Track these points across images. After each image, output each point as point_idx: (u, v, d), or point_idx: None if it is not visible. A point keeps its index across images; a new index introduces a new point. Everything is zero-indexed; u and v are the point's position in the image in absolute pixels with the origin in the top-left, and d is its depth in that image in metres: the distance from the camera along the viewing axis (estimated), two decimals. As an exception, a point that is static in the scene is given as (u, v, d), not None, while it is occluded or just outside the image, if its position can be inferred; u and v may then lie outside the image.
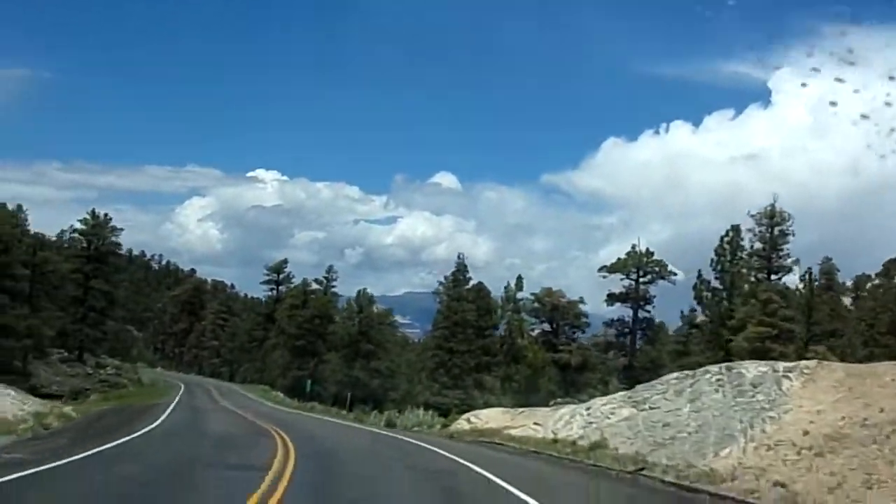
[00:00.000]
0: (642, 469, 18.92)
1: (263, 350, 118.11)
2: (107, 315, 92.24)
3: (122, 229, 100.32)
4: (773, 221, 59.17)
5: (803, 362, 22.80)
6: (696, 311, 62.90)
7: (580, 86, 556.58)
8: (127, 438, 20.53)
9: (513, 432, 29.45)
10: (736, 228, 60.43)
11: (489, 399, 56.40)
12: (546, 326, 69.79)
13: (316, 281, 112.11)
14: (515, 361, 52.00)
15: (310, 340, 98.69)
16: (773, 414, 19.30)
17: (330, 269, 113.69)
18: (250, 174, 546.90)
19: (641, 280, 75.14)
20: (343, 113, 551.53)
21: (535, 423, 29.88)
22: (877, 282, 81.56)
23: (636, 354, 73.85)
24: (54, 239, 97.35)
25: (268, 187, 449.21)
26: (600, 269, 73.85)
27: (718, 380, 23.12)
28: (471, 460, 19.38)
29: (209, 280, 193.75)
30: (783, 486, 15.18)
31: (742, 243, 60.01)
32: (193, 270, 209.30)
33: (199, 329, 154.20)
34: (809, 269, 65.04)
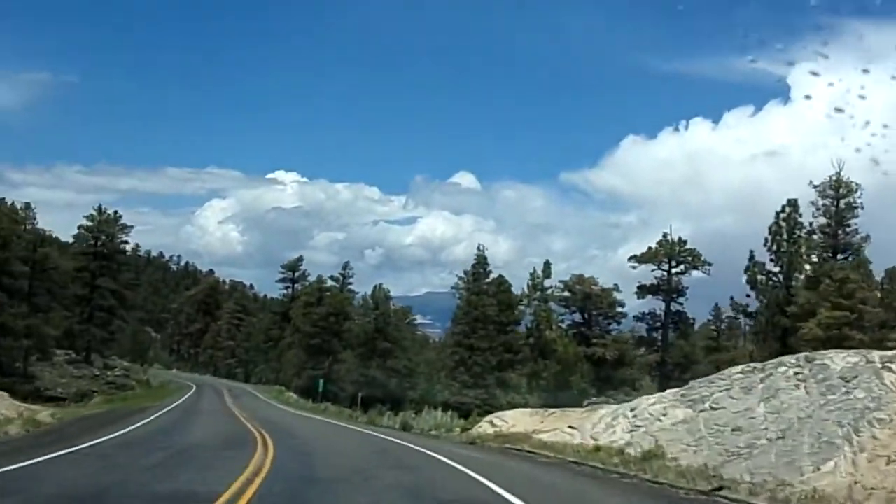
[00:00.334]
0: (720, 489, 14.74)
1: (279, 350, 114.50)
2: (115, 315, 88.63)
3: (131, 227, 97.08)
4: (838, 193, 52.52)
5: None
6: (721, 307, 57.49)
7: (599, 83, 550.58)
8: (63, 452, 16.56)
9: (544, 437, 25.34)
10: (793, 203, 54.30)
11: (514, 398, 51.78)
12: (577, 317, 63.21)
13: (331, 278, 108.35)
14: (543, 356, 46.82)
15: (325, 339, 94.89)
16: (883, 415, 15.10)
17: (346, 266, 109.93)
18: (270, 176, 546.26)
19: (674, 271, 70.75)
20: (362, 114, 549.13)
21: (570, 427, 25.75)
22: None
23: (668, 350, 69.43)
24: (72, 241, 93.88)
25: (287, 189, 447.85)
26: (630, 259, 69.37)
27: (797, 373, 18.95)
28: (500, 482, 14.99)
29: (227, 280, 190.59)
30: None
31: (801, 220, 53.66)
32: (212, 271, 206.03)
33: (214, 329, 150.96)
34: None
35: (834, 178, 53.03)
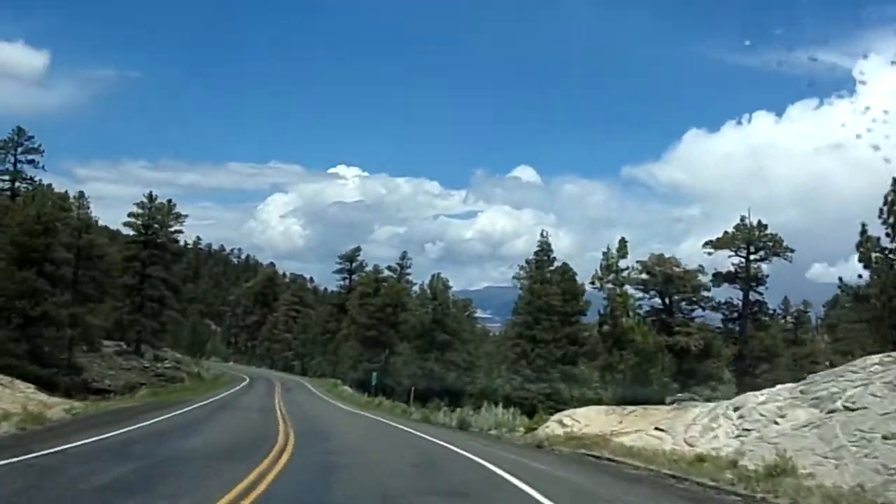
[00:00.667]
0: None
1: (335, 342, 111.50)
2: (166, 305, 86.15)
3: (185, 216, 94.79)
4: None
5: None
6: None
7: (661, 77, 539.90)
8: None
9: (625, 441, 21.07)
10: (915, 167, 48.16)
11: (585, 393, 46.97)
12: (657, 302, 56.08)
13: (389, 268, 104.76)
14: (619, 346, 42.00)
15: (381, 331, 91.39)
16: None
17: (403, 256, 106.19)
18: (332, 170, 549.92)
19: (752, 257, 65.37)
20: (423, 108, 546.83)
21: (657, 429, 21.47)
22: None
23: (747, 342, 64.13)
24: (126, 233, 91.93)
25: (349, 183, 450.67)
26: (705, 245, 64.07)
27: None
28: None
29: (287, 273, 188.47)
30: None
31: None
32: (272, 264, 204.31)
33: (271, 321, 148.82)
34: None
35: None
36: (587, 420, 25.43)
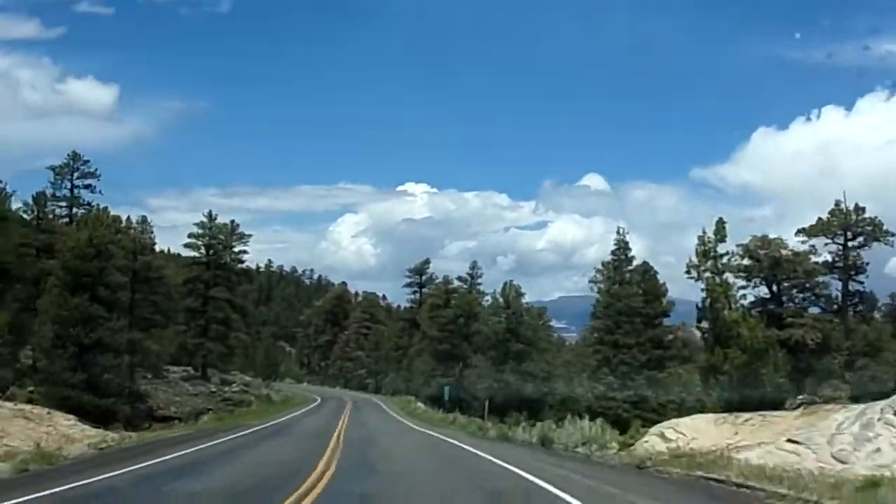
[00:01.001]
0: None
1: (409, 357, 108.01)
2: (231, 327, 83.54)
3: (250, 235, 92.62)
4: None
5: None
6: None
7: (726, 76, 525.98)
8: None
9: (751, 458, 16.65)
10: None
11: (684, 399, 41.62)
12: (763, 291, 48.42)
13: (459, 279, 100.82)
14: (721, 344, 36.29)
15: (453, 343, 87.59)
16: None
17: (474, 266, 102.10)
18: (400, 188, 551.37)
19: (850, 244, 59.70)
20: (488, 121, 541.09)
21: (790, 441, 17.00)
22: None
23: (850, 336, 58.34)
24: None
25: (418, 200, 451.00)
26: (797, 233, 58.49)
27: None
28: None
29: (360, 292, 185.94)
30: None
31: None
32: (344, 283, 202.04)
33: (342, 340, 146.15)
34: None
35: None
36: (694, 432, 21.06)
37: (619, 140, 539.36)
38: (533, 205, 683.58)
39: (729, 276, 39.26)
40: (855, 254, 60.07)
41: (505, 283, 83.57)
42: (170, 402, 71.25)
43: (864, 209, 60.30)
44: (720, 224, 39.28)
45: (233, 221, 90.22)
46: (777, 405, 26.28)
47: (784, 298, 40.15)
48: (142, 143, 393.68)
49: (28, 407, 41.83)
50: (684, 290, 67.18)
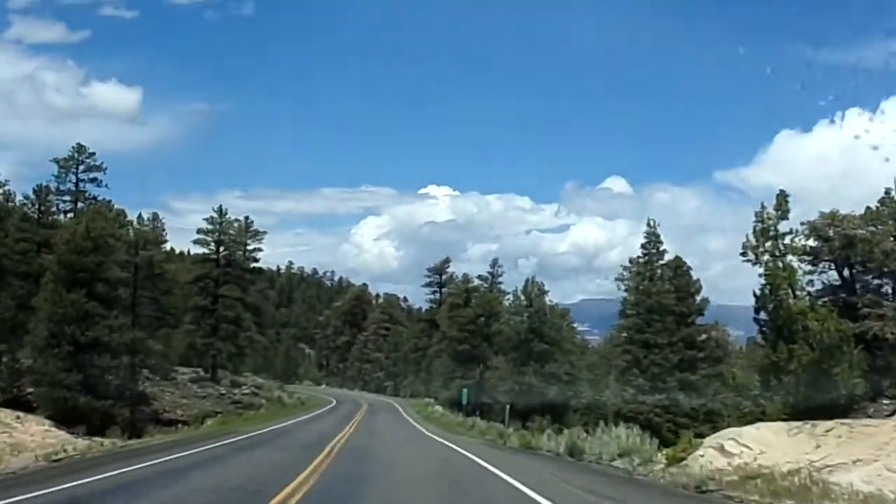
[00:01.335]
0: None
1: (427, 359, 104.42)
2: (242, 327, 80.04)
3: (264, 233, 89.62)
4: None
5: None
6: None
7: (749, 78, 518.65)
8: None
9: (853, 481, 12.78)
10: None
11: (740, 404, 36.73)
12: (832, 277, 38.72)
13: (479, 277, 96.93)
14: (785, 338, 31.09)
15: (473, 344, 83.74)
16: None
17: (494, 264, 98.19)
18: (422, 191, 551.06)
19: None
20: (511, 124, 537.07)
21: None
22: None
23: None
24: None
25: (440, 203, 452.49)
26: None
27: None
28: None
29: (381, 294, 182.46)
30: None
31: None
32: (365, 285, 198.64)
33: (361, 341, 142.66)
34: None
35: None
36: (762, 443, 17.17)
37: (641, 142, 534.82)
38: (555, 207, 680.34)
39: (793, 260, 34.37)
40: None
41: (527, 280, 79.55)
42: (176, 405, 68.12)
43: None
44: (782, 197, 34.15)
45: (247, 218, 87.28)
46: (848, 410, 22.30)
47: (858, 286, 34.84)
48: (165, 146, 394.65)
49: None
50: (707, 292, 63.57)
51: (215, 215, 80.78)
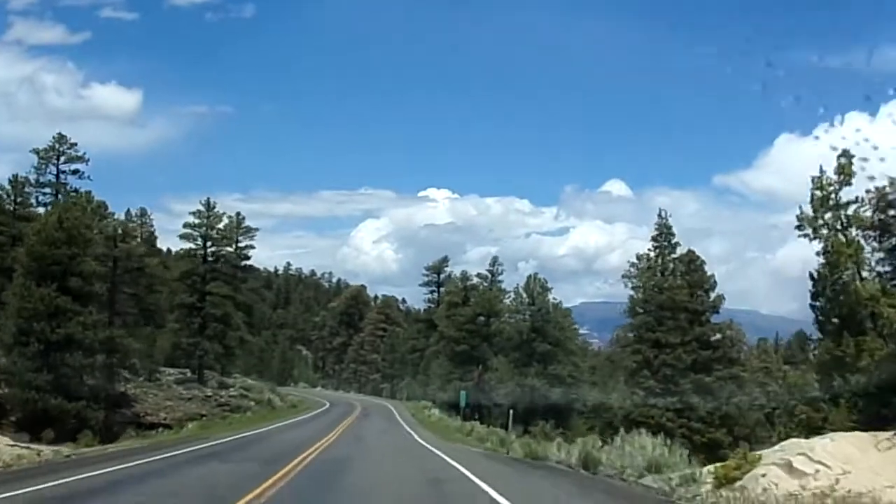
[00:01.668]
0: None
1: (425, 360, 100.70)
2: (230, 326, 76.16)
3: (257, 229, 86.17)
4: None
5: None
6: None
7: (748, 82, 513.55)
8: None
9: None
10: None
11: (795, 408, 32.35)
12: None
13: (478, 275, 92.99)
14: (849, 328, 26.44)
15: (472, 344, 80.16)
16: None
17: (494, 262, 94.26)
18: (422, 193, 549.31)
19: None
20: (510, 127, 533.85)
21: None
22: None
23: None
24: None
25: (439, 205, 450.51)
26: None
27: None
28: None
29: (380, 296, 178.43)
30: None
31: None
32: (363, 287, 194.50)
33: (357, 342, 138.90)
34: None
35: None
36: (842, 460, 13.50)
37: (641, 146, 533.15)
38: (555, 210, 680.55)
39: (858, 235, 29.17)
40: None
41: (529, 277, 76.06)
42: (160, 408, 64.46)
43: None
44: (846, 159, 28.66)
45: (238, 214, 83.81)
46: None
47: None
48: (165, 148, 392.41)
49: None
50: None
51: (203, 209, 76.82)
